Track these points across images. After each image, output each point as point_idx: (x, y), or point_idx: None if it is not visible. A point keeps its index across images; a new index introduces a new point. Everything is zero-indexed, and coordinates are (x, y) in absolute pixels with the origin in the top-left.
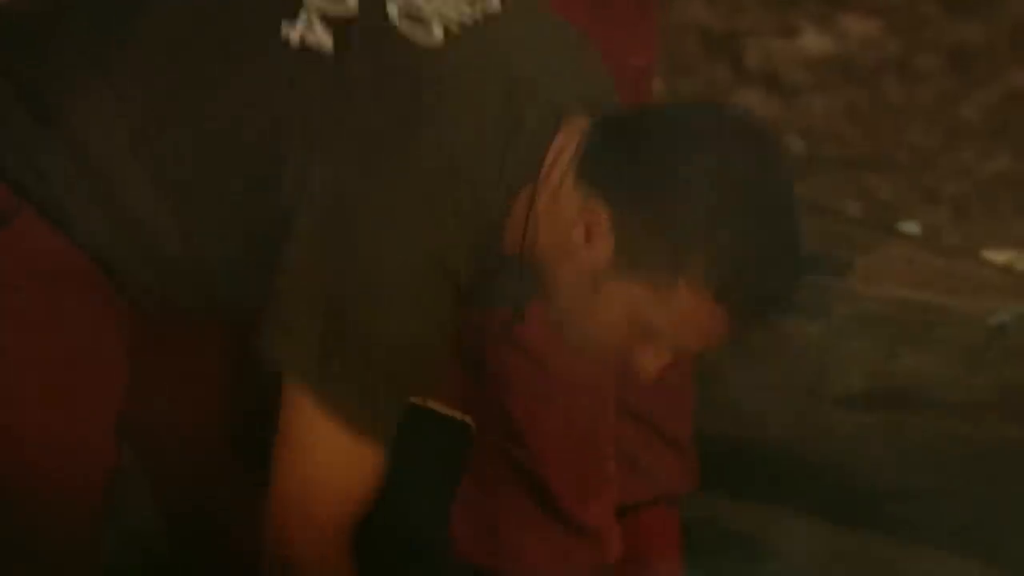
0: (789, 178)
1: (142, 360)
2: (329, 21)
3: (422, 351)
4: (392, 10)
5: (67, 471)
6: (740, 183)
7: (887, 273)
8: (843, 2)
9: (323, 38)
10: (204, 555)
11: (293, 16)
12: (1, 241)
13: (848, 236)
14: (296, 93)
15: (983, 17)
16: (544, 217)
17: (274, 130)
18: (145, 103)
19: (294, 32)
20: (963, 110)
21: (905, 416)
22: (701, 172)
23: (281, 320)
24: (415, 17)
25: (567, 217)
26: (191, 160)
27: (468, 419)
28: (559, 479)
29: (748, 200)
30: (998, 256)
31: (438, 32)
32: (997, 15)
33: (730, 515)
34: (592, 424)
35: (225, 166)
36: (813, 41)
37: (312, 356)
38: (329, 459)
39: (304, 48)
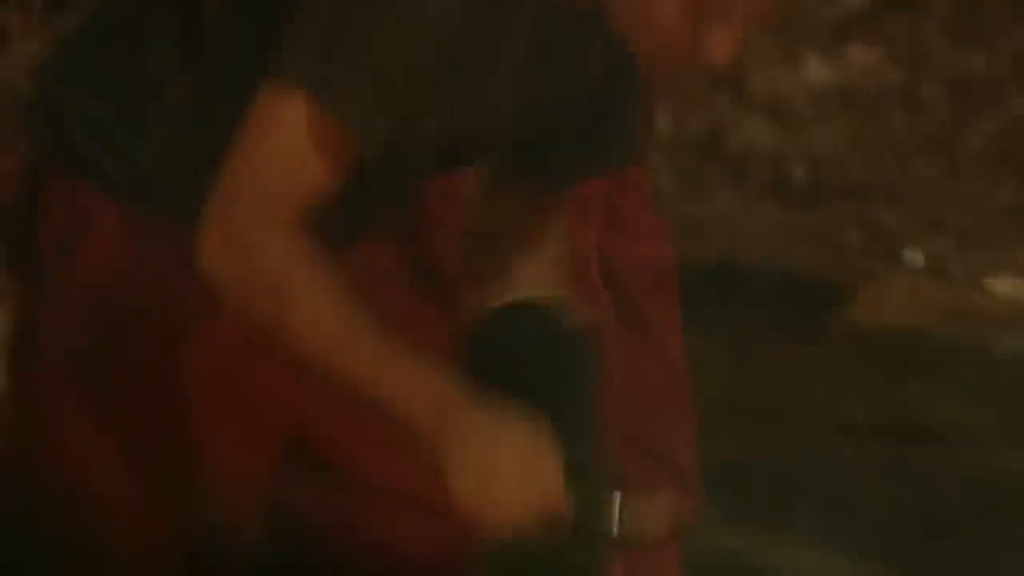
0: None
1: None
2: None
3: (422, 56)
4: None
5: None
6: None
7: (890, 302)
8: (846, 32)
9: None
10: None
11: None
12: (80, 251)
13: (851, 265)
14: None
15: (986, 46)
16: None
17: None
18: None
19: None
20: (966, 139)
21: (908, 445)
22: None
23: (290, 35)
24: None
25: None
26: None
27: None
28: None
29: None
30: (1002, 285)
31: None
32: (1000, 44)
33: (730, 541)
34: None
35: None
36: (817, 71)
37: (313, 55)
38: (300, 141)
39: None
